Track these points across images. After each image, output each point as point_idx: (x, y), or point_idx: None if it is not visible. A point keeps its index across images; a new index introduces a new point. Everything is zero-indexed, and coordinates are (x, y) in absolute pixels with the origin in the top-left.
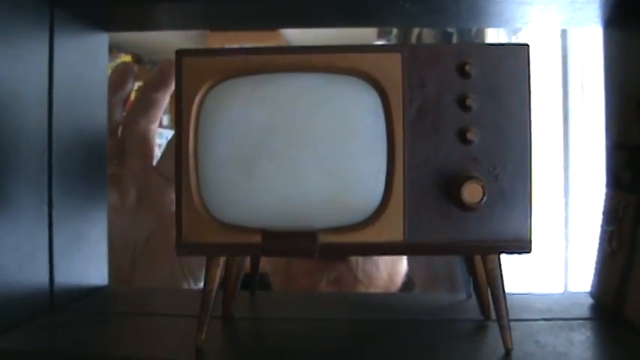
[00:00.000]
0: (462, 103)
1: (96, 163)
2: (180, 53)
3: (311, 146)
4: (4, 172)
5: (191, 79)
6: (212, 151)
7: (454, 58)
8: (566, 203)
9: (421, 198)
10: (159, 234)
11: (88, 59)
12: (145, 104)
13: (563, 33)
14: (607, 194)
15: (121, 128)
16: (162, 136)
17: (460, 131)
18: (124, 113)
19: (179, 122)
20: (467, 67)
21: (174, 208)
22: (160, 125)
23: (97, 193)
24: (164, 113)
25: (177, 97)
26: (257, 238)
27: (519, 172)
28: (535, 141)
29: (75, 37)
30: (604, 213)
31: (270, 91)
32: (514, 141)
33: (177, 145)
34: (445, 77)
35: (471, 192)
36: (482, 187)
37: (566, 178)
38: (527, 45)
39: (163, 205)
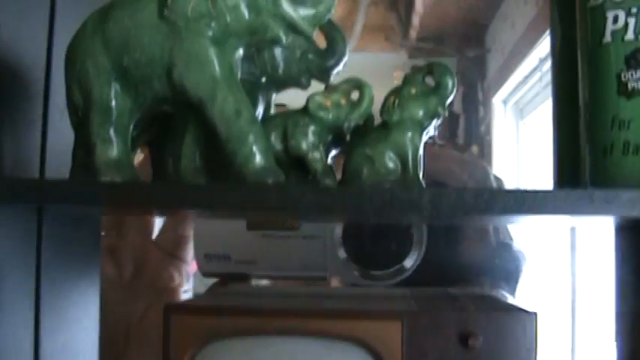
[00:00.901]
0: None
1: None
2: (169, 310)
3: None
4: None
5: (179, 339)
6: None
7: (457, 328)
8: None
9: None
10: (155, 309)
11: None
12: (146, 176)
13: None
14: None
15: None
16: None
17: None
18: None
19: None
20: (470, 340)
21: (172, 283)
22: None
23: (88, 304)
24: None
25: (165, 358)
26: None
27: None
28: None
29: (64, 226)
30: None
31: (262, 357)
32: None
33: None
34: (447, 348)
35: None
36: None
37: None
38: (535, 313)
39: (161, 281)
